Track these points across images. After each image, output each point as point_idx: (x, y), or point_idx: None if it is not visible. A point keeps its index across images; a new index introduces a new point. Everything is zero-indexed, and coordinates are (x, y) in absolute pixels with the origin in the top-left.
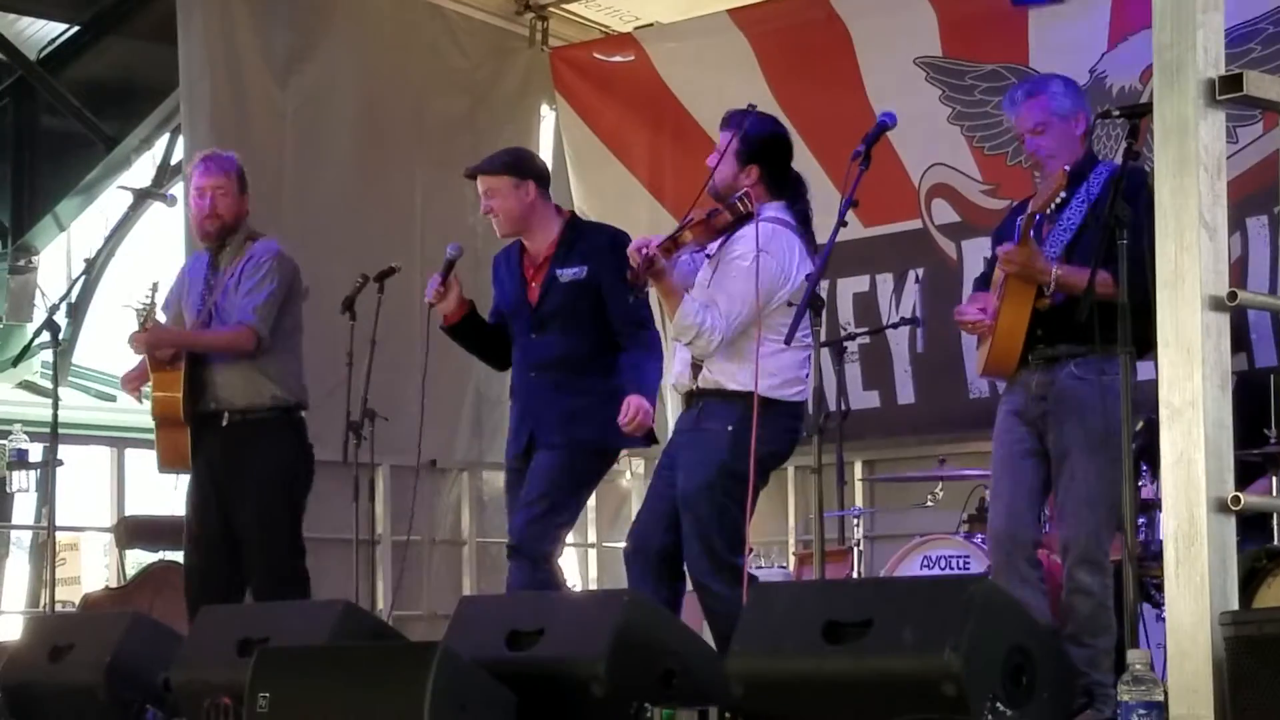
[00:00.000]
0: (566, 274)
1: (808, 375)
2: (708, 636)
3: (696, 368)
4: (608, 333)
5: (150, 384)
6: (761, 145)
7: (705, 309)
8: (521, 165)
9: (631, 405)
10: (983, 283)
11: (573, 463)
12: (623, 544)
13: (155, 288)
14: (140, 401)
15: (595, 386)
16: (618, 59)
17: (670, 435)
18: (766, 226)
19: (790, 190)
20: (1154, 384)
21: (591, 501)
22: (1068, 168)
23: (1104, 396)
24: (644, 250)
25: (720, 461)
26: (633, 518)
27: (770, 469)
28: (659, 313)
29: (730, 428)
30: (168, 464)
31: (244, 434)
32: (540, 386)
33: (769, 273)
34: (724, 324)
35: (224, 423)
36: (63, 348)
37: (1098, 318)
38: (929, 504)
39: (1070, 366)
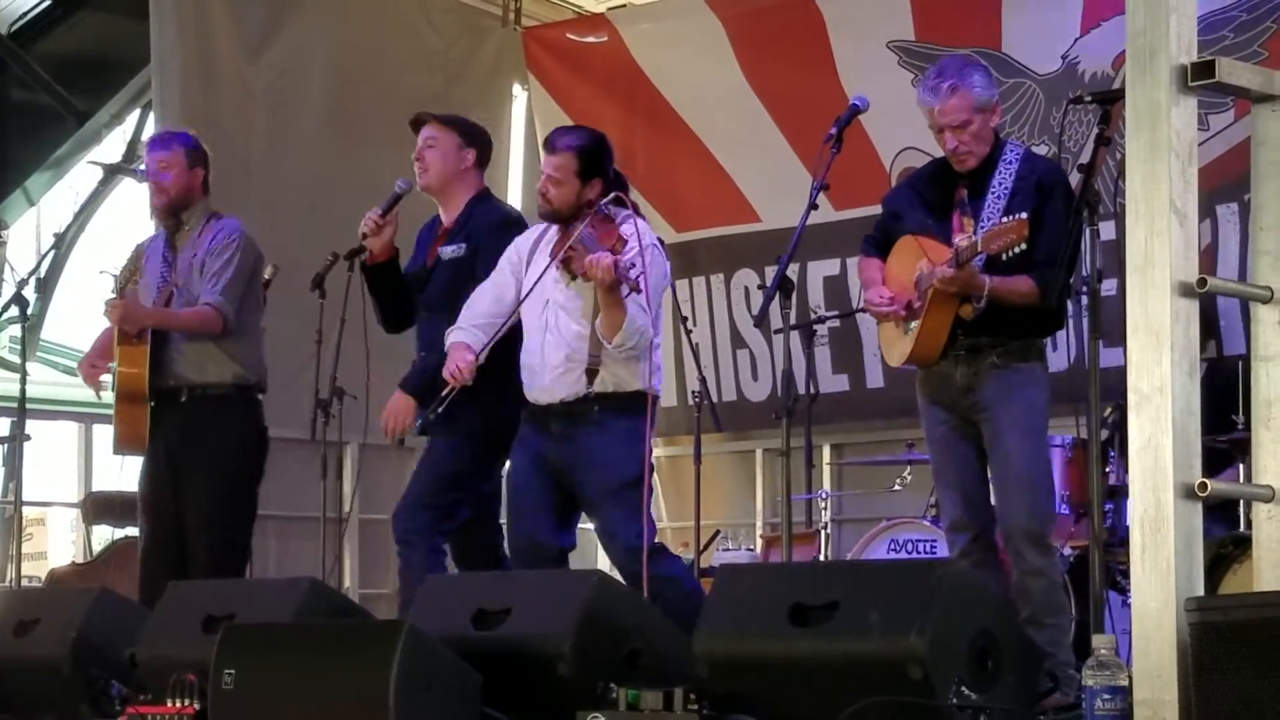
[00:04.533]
0: (449, 251)
1: None
2: None
3: (591, 374)
4: None
5: (115, 359)
6: (600, 157)
7: (638, 311)
8: (472, 131)
9: (387, 408)
10: (873, 247)
11: (460, 454)
12: None
13: (140, 250)
14: (98, 395)
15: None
16: (590, 39)
17: (525, 433)
18: (642, 224)
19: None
20: (1119, 371)
21: None
22: (1025, 215)
23: (1027, 383)
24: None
25: (639, 457)
26: None
27: None
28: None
29: (636, 425)
30: (124, 443)
31: (202, 410)
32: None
33: (658, 265)
34: (649, 318)
35: (182, 399)
36: (31, 322)
37: (1018, 312)
38: (897, 488)
39: (993, 358)
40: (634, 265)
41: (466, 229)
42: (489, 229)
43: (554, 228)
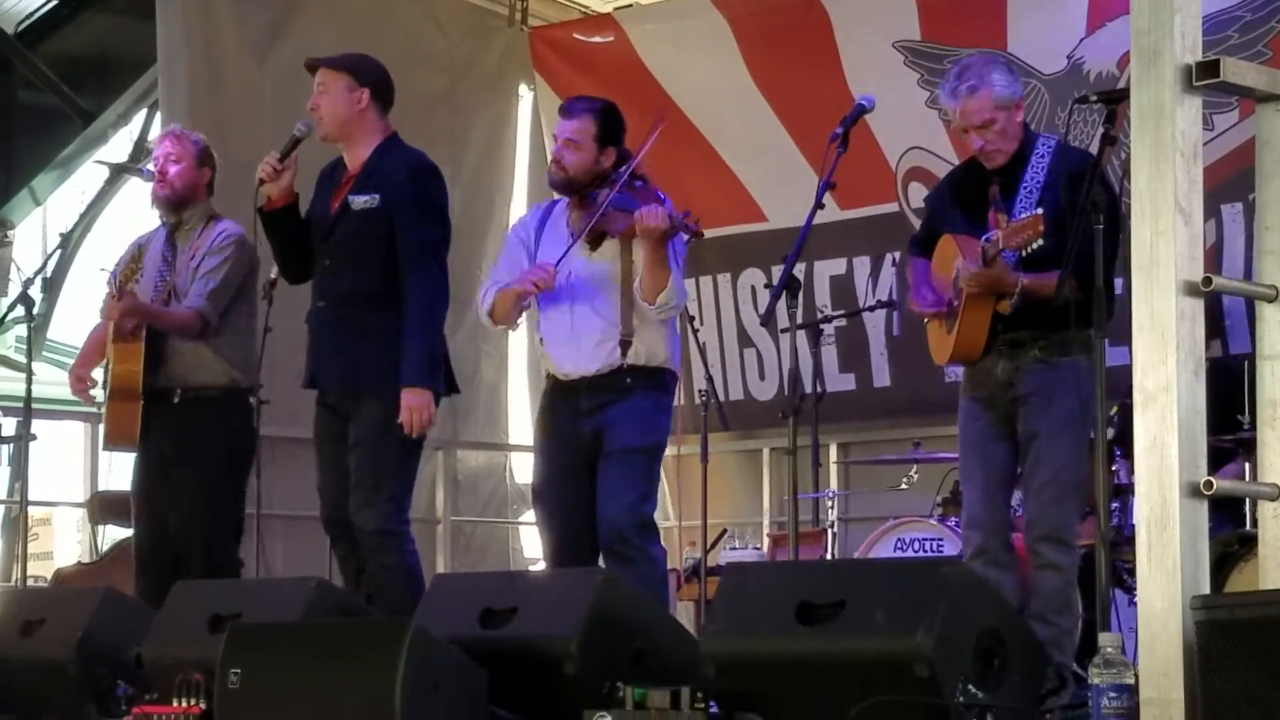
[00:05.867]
0: (359, 201)
1: None
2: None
3: (626, 345)
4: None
5: (109, 356)
6: (616, 124)
7: (677, 272)
8: (362, 69)
9: (406, 407)
10: (919, 248)
11: (377, 425)
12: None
13: (141, 251)
14: (91, 404)
15: (379, 327)
16: (597, 39)
17: (550, 414)
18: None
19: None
20: (1128, 370)
21: None
22: (1041, 211)
23: (1069, 379)
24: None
25: (661, 429)
26: None
27: None
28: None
29: (663, 400)
30: (113, 440)
31: (194, 412)
32: (323, 321)
33: (680, 239)
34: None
35: (175, 399)
36: (37, 322)
37: (1072, 304)
38: (903, 487)
39: (1035, 351)
40: (686, 212)
41: (377, 177)
42: (404, 181)
43: (560, 204)
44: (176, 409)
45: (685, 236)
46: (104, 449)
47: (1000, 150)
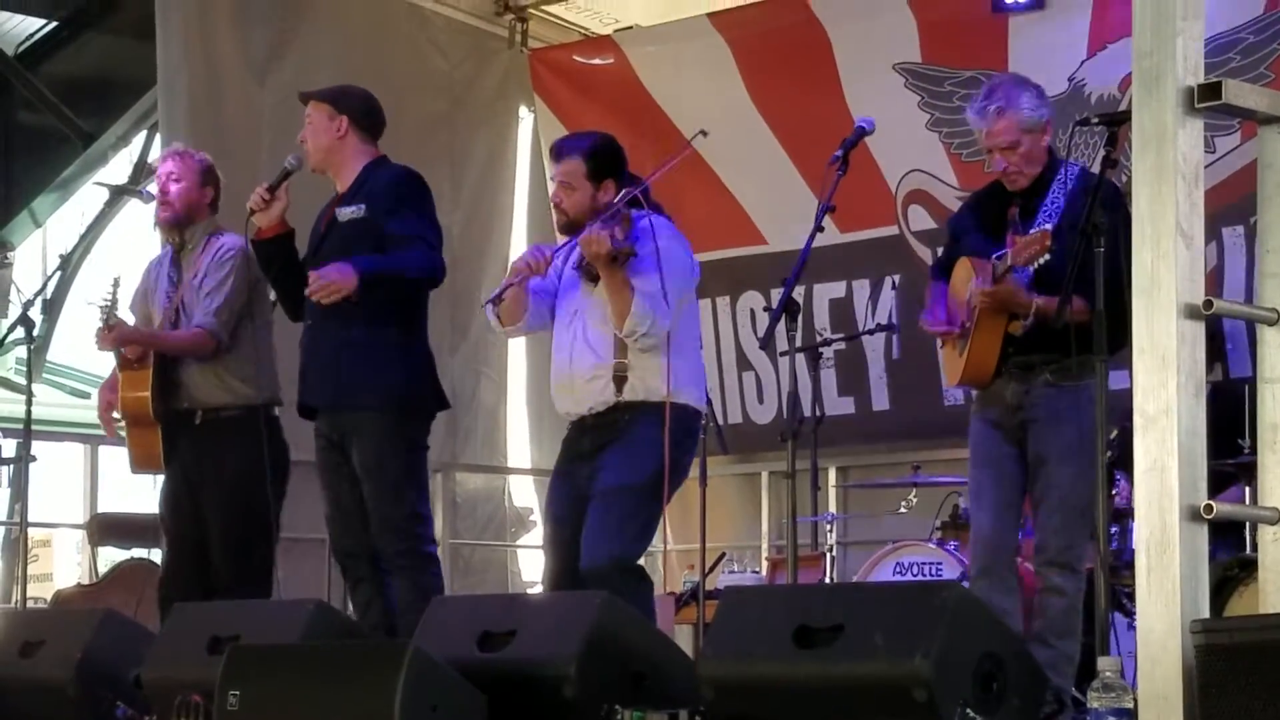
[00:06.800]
0: (345, 212)
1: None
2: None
3: (620, 380)
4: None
5: (119, 385)
6: (608, 158)
7: (646, 296)
8: (340, 98)
9: (329, 274)
10: (939, 271)
11: (377, 447)
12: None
13: (117, 283)
14: (115, 435)
15: (367, 339)
16: (597, 61)
17: (560, 454)
18: (659, 220)
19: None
20: (1128, 393)
21: None
22: (1049, 226)
23: (1078, 403)
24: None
25: (651, 465)
26: None
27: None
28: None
29: (661, 437)
30: (140, 465)
31: (217, 433)
32: (311, 340)
33: (677, 257)
34: (666, 307)
35: (196, 421)
36: (37, 344)
37: (1072, 327)
38: (902, 510)
39: (1045, 375)
40: (635, 237)
41: (364, 191)
42: (385, 187)
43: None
44: (198, 429)
45: (695, 268)
46: (132, 473)
47: (1023, 173)
